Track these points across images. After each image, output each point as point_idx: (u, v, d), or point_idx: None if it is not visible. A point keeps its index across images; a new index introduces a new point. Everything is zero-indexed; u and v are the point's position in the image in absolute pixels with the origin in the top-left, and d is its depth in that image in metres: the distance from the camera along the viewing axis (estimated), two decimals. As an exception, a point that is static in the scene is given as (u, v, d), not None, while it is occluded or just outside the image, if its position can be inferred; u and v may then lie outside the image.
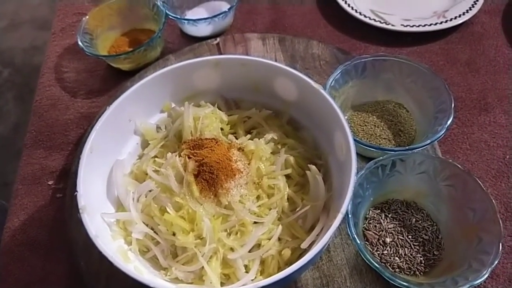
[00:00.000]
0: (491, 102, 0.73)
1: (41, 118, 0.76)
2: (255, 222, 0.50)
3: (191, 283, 0.48)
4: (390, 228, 0.56)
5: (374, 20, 0.83)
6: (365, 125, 0.66)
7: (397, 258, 0.54)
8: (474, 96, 0.74)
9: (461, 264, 0.49)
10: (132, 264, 0.48)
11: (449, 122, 0.57)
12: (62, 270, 0.60)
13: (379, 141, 0.64)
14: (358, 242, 0.49)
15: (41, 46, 1.80)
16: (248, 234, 0.49)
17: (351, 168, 0.45)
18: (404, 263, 0.53)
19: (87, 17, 0.78)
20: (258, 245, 0.50)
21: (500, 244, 0.47)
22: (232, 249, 0.49)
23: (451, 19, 0.81)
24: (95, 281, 0.55)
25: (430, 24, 0.81)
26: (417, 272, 0.53)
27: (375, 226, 0.56)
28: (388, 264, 0.53)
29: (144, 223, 0.51)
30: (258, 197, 0.53)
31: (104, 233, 0.48)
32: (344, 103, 0.67)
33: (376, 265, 0.47)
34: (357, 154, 0.47)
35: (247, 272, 0.49)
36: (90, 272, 0.56)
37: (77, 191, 0.46)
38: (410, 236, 0.55)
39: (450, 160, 0.54)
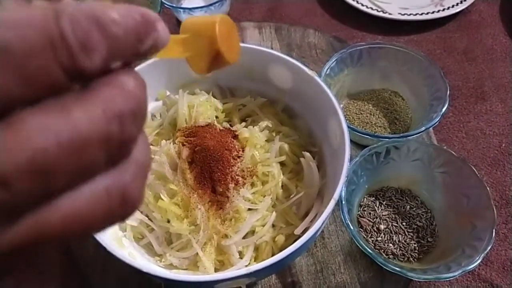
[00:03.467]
0: (488, 90, 0.73)
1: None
2: (249, 209, 0.50)
3: (186, 269, 0.49)
4: (385, 215, 0.56)
5: (371, 8, 0.82)
6: (361, 114, 0.66)
7: (391, 244, 0.54)
8: (471, 85, 0.74)
9: (455, 250, 0.50)
10: (126, 251, 0.48)
11: (444, 109, 0.57)
12: (56, 258, 0.60)
13: (375, 129, 0.64)
14: (352, 228, 0.49)
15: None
16: (242, 221, 0.49)
17: (345, 154, 0.45)
18: (398, 249, 0.53)
19: (82, 5, 0.78)
20: (252, 232, 0.50)
21: (494, 230, 0.47)
22: (226, 236, 0.49)
23: (448, 8, 0.81)
24: (91, 268, 0.56)
25: (428, 13, 0.81)
26: (411, 259, 0.53)
27: (370, 213, 0.56)
28: (382, 250, 0.54)
29: (138, 210, 0.51)
30: (252, 184, 0.53)
31: (98, 220, 0.48)
32: (339, 92, 0.67)
33: (370, 251, 0.48)
34: (353, 142, 0.48)
35: (241, 258, 0.49)
36: (86, 260, 0.56)
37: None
38: (404, 223, 0.55)
39: (445, 147, 0.54)
